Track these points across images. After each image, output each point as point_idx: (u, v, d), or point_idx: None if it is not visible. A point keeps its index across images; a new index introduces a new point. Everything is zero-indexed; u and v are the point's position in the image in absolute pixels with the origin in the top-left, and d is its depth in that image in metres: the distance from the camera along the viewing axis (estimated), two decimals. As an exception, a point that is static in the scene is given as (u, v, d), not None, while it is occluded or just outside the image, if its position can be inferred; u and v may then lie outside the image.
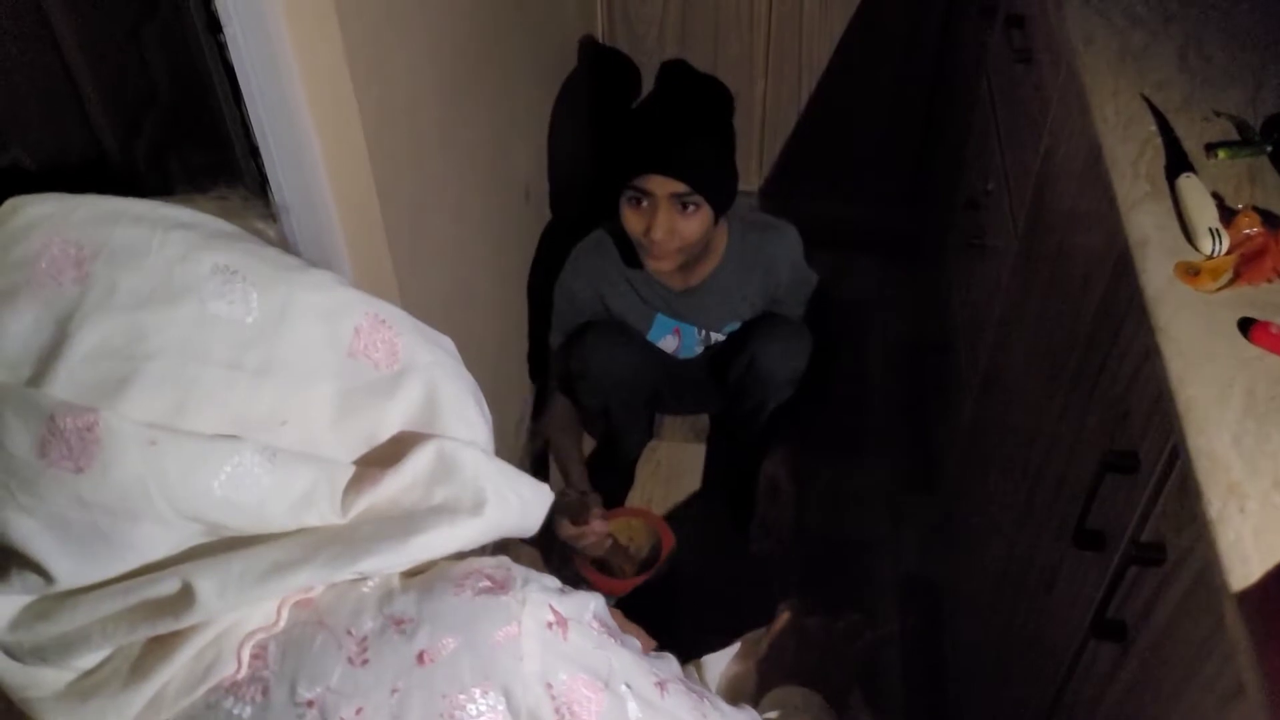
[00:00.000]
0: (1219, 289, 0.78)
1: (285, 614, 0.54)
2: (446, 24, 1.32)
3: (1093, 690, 0.90)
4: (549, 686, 0.55)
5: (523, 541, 0.78)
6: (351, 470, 0.57)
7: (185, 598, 0.51)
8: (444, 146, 1.34)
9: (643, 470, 1.87)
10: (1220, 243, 0.80)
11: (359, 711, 0.52)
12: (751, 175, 2.19)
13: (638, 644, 0.65)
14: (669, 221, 1.51)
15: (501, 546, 0.61)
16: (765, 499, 1.68)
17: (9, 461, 0.49)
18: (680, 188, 1.49)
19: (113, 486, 0.49)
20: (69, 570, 0.51)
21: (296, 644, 0.54)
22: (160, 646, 0.53)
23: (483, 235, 1.57)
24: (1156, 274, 0.80)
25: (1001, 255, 1.36)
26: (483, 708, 0.53)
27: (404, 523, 0.56)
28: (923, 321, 2.00)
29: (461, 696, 0.53)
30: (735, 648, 1.02)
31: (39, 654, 0.52)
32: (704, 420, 1.94)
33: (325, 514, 0.55)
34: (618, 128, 1.70)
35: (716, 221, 1.58)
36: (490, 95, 1.52)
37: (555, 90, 1.87)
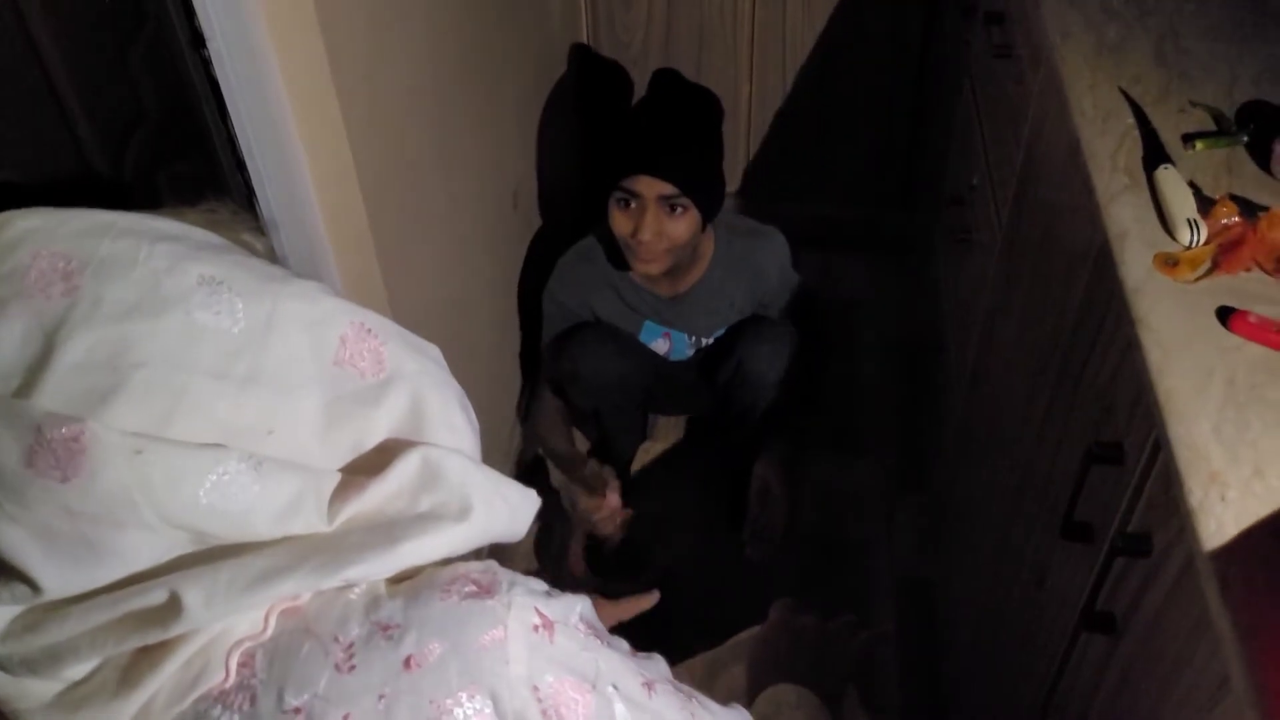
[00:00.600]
0: (1198, 279, 0.79)
1: (273, 622, 0.55)
2: (432, 34, 1.32)
3: (1086, 683, 0.90)
4: (535, 689, 0.55)
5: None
6: (337, 478, 0.57)
7: (173, 608, 0.51)
8: (431, 156, 1.35)
9: (636, 472, 1.88)
10: (1198, 233, 0.81)
11: (347, 717, 0.52)
12: (737, 178, 2.20)
13: (625, 645, 0.65)
14: (657, 223, 1.52)
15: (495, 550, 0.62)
16: (758, 500, 1.69)
17: None
18: (668, 189, 1.50)
19: (99, 495, 0.50)
20: (56, 579, 0.51)
21: (284, 652, 0.54)
22: (148, 656, 0.53)
23: (472, 243, 1.58)
24: (1135, 265, 0.81)
25: (987, 250, 1.37)
26: (470, 712, 0.53)
27: (390, 530, 0.56)
28: (913, 320, 2.01)
29: (449, 701, 0.53)
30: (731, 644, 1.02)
31: (28, 666, 0.53)
32: (697, 422, 1.94)
33: (311, 522, 0.55)
34: (606, 132, 1.70)
35: (704, 227, 1.58)
36: (477, 103, 1.53)
37: (542, 97, 1.88)
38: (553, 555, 1.71)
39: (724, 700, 0.73)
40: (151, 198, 0.90)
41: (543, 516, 0.67)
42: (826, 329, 1.82)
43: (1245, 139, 0.91)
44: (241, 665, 0.53)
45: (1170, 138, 0.93)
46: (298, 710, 0.52)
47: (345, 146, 1.06)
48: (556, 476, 1.73)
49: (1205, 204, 0.84)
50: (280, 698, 0.52)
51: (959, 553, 1.48)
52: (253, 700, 0.52)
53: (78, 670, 0.53)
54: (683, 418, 1.95)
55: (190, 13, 0.86)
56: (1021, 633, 1.11)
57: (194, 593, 0.51)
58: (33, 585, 0.51)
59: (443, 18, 1.37)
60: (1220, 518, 0.64)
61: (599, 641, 0.61)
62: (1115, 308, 0.85)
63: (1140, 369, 0.74)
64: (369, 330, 0.59)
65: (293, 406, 0.55)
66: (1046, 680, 0.99)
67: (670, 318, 1.71)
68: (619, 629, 0.67)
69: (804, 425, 1.80)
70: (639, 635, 0.71)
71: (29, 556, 0.50)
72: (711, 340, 1.73)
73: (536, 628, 0.57)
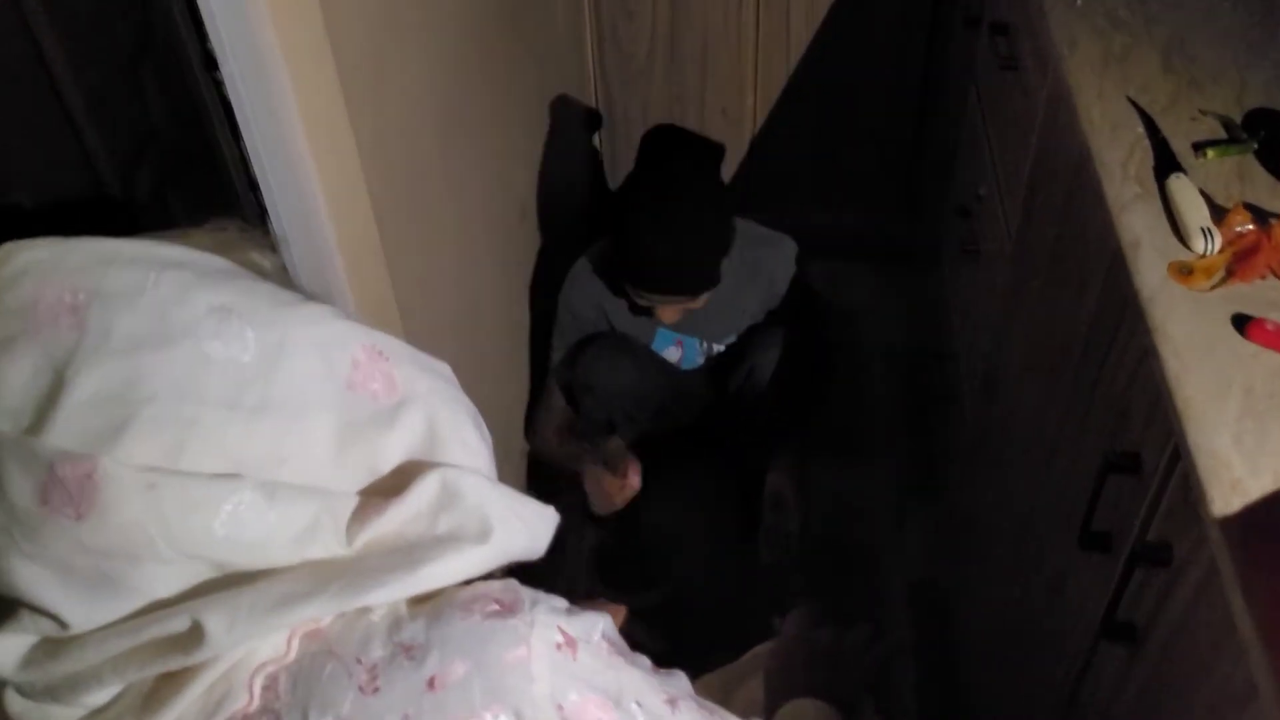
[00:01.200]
0: (1213, 287, 0.79)
1: (295, 645, 0.54)
2: (438, 51, 1.33)
3: (1106, 692, 0.90)
4: (560, 708, 0.55)
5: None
6: (354, 501, 0.57)
7: (195, 634, 0.51)
8: (440, 170, 1.35)
9: (648, 483, 1.87)
10: (1213, 242, 0.81)
11: (372, 739, 0.52)
12: (743, 188, 2.20)
13: (647, 662, 0.65)
14: (677, 311, 1.59)
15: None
16: (771, 510, 1.69)
17: (11, 511, 0.49)
18: (685, 299, 1.56)
19: (113, 531, 0.50)
20: (80, 614, 0.51)
21: (307, 674, 0.54)
22: (171, 682, 0.53)
23: (481, 256, 1.58)
24: (1150, 275, 0.81)
25: (996, 260, 1.36)
26: (494, 731, 0.53)
27: (411, 553, 0.56)
28: (920, 328, 2.01)
29: (473, 720, 0.53)
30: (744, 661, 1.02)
31: (50, 693, 0.52)
32: (709, 431, 1.94)
33: (330, 546, 0.55)
34: (611, 202, 1.71)
35: None
36: (483, 117, 1.53)
37: (547, 109, 1.88)
38: (564, 571, 1.71)
39: (743, 714, 0.73)
40: (163, 217, 0.91)
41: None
42: (832, 333, 1.82)
43: (1256, 146, 0.91)
44: (265, 689, 0.53)
45: (1181, 146, 0.93)
46: (323, 732, 0.52)
47: (355, 163, 1.06)
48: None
49: (1218, 212, 0.84)
50: (305, 720, 0.52)
51: (972, 560, 1.47)
52: (277, 723, 0.52)
53: (100, 697, 0.53)
54: (694, 428, 1.94)
55: (203, 37, 0.86)
56: (1039, 642, 1.10)
57: (216, 619, 0.51)
58: (59, 621, 0.51)
59: (449, 34, 1.37)
60: (1243, 526, 0.63)
61: (622, 659, 0.61)
62: (1130, 317, 0.84)
63: (1158, 378, 0.74)
64: (380, 353, 0.59)
65: (305, 433, 0.55)
66: (1065, 690, 0.99)
67: (683, 326, 1.71)
68: (638, 645, 0.67)
69: (813, 433, 1.80)
70: (653, 648, 0.71)
71: (50, 594, 0.50)
72: (723, 347, 1.74)
73: (560, 646, 0.56)
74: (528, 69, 1.77)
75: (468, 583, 0.59)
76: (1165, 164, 0.90)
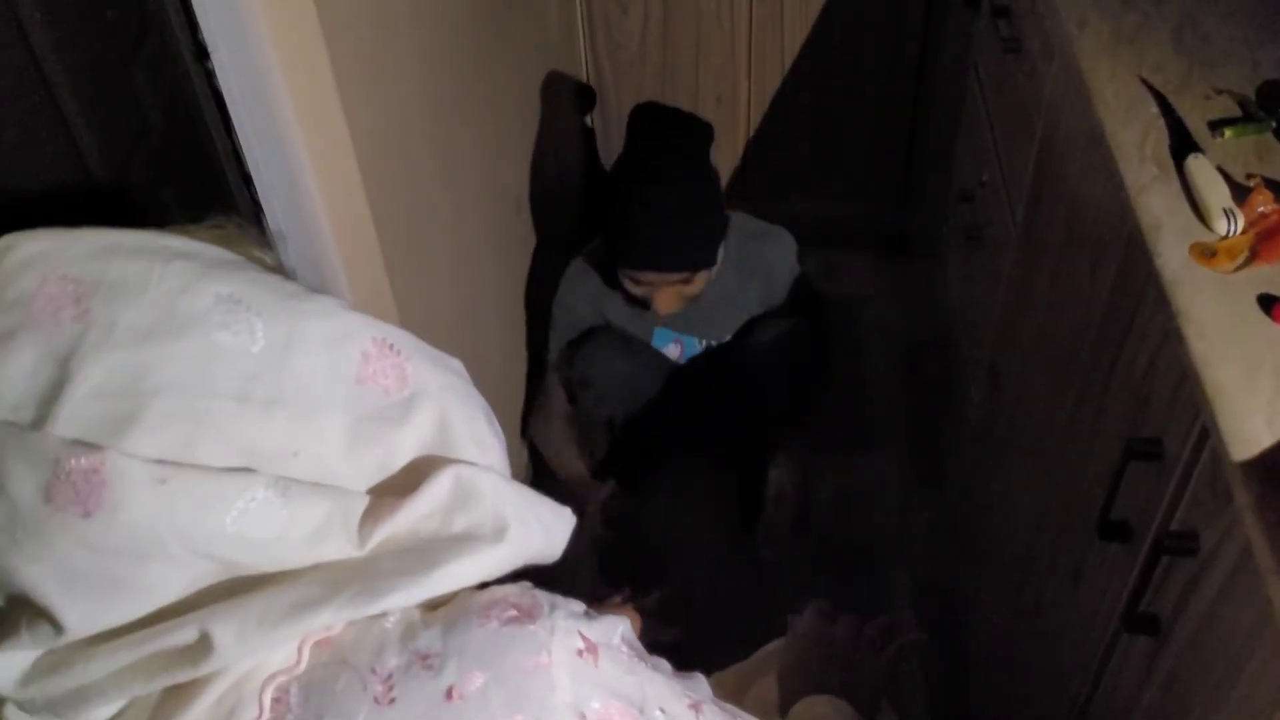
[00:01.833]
0: (1237, 269, 0.77)
1: (306, 654, 0.52)
2: (432, 43, 1.30)
3: (1128, 687, 0.88)
4: (582, 716, 0.53)
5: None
6: (366, 500, 0.55)
7: (203, 646, 0.49)
8: (435, 163, 1.33)
9: (648, 481, 1.85)
10: (1235, 222, 0.79)
11: (389, 753, 0.50)
12: (739, 178, 2.18)
13: (668, 666, 0.63)
14: (673, 298, 1.55)
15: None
16: (773, 505, 1.67)
17: (13, 509, 0.47)
18: (678, 276, 1.52)
19: (122, 529, 0.48)
20: (78, 618, 0.49)
21: (319, 685, 0.52)
22: (178, 695, 0.51)
23: (478, 250, 1.55)
24: (1172, 257, 0.79)
25: (1001, 246, 1.35)
26: (517, 742, 0.51)
27: (424, 554, 0.54)
28: (920, 317, 1.99)
29: (494, 731, 0.51)
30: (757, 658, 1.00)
31: (53, 709, 0.50)
32: (709, 426, 1.92)
33: (342, 546, 0.53)
34: (602, 184, 1.68)
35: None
36: (479, 109, 1.51)
37: (540, 101, 1.86)
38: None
39: (757, 713, 0.71)
40: (157, 212, 0.88)
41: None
42: (830, 323, 1.80)
43: (1275, 124, 0.89)
44: (276, 701, 0.51)
45: (1196, 126, 0.91)
46: (338, 747, 0.50)
47: (351, 157, 1.04)
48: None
49: (1240, 192, 0.82)
50: (319, 734, 0.50)
51: (981, 551, 1.46)
52: (290, 738, 0.50)
53: (104, 712, 0.51)
54: (694, 423, 1.92)
55: (194, 25, 0.83)
56: (1055, 636, 1.09)
57: (224, 629, 0.49)
58: (55, 625, 0.48)
59: (442, 27, 1.35)
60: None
61: (643, 664, 0.59)
62: (1149, 300, 0.83)
63: (1184, 362, 0.72)
64: (391, 345, 0.57)
65: (316, 427, 0.53)
66: (1085, 685, 0.97)
67: (681, 323, 1.69)
68: (653, 647, 0.65)
69: (814, 424, 1.78)
70: (660, 646, 0.69)
71: (50, 595, 0.48)
72: (723, 341, 1.71)
73: (581, 652, 0.55)
74: (521, 58, 1.75)
75: (482, 586, 0.58)
76: (1182, 144, 0.88)
